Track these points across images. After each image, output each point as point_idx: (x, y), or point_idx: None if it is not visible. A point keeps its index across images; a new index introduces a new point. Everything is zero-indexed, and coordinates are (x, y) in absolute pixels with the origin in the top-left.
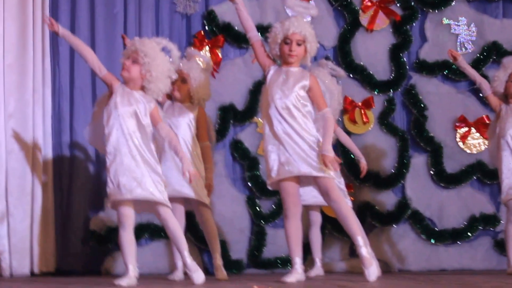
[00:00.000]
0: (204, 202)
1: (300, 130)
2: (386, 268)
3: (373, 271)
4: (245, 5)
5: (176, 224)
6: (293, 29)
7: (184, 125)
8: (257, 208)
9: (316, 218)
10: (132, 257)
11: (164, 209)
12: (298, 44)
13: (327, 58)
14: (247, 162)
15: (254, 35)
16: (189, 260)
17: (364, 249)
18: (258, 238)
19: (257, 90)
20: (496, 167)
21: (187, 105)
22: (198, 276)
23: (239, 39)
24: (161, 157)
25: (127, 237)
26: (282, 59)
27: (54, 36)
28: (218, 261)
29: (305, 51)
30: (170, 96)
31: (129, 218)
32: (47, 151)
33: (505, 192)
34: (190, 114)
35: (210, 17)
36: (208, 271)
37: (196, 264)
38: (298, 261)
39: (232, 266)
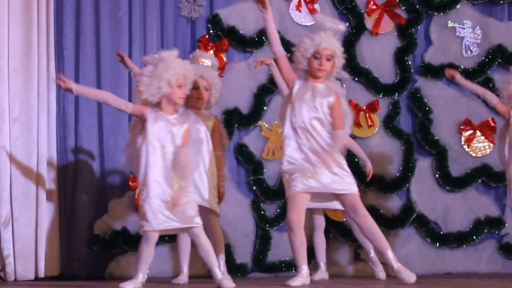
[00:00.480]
0: (215, 210)
1: (326, 146)
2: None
3: (410, 274)
4: (249, 8)
5: (207, 241)
6: (324, 44)
7: (202, 134)
8: (261, 212)
9: (320, 222)
10: (145, 267)
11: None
12: (328, 59)
13: None
14: (251, 166)
15: (280, 50)
16: (219, 275)
17: (395, 263)
18: (262, 242)
19: (261, 94)
20: (505, 170)
21: (201, 112)
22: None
23: (243, 43)
24: None
25: (148, 251)
26: (309, 73)
27: (59, 40)
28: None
29: (332, 67)
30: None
31: (155, 236)
32: (51, 156)
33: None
34: (208, 123)
35: (214, 21)
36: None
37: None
38: (304, 267)
39: (237, 270)
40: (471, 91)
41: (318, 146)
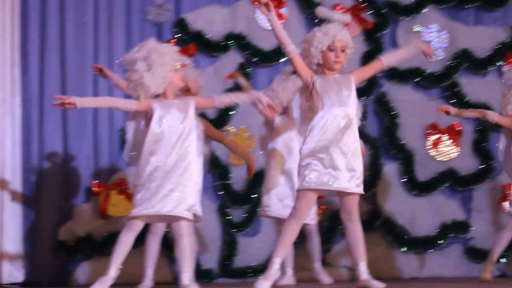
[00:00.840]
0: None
1: (352, 141)
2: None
3: (378, 283)
4: (216, 13)
5: (189, 243)
6: (339, 36)
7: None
8: (228, 217)
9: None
10: (119, 258)
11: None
12: (342, 51)
13: None
14: (218, 171)
15: (293, 49)
16: (187, 281)
17: (365, 274)
18: (229, 247)
19: None
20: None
21: None
22: None
23: (210, 48)
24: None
25: (127, 239)
26: (324, 67)
27: (23, 45)
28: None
29: (345, 58)
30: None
31: (139, 224)
32: (15, 161)
33: None
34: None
35: (181, 25)
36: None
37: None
38: (278, 261)
39: (203, 275)
40: (471, 117)
41: (343, 140)
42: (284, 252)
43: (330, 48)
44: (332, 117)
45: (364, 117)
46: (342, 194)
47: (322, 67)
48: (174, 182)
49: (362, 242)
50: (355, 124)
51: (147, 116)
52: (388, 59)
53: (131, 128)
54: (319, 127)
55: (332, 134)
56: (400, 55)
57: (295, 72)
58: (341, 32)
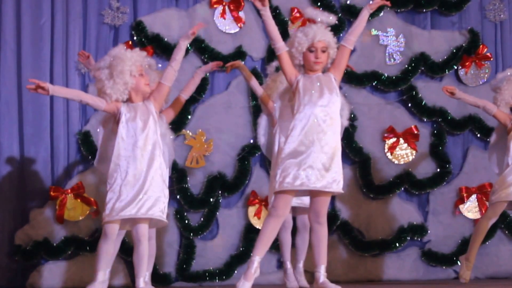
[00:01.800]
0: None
1: (333, 141)
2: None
3: (335, 286)
4: (173, 15)
5: (147, 247)
6: (319, 37)
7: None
8: (185, 221)
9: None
10: (105, 264)
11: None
12: (323, 51)
13: None
14: (175, 175)
15: (283, 45)
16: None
17: (323, 277)
18: (186, 251)
19: (185, 103)
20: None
21: None
22: None
23: (168, 51)
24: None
25: (106, 246)
26: (306, 67)
27: None
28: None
29: (327, 58)
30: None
31: (113, 229)
32: None
33: (497, 194)
34: None
35: (138, 28)
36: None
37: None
38: (257, 259)
39: (161, 279)
40: (472, 104)
41: (323, 140)
42: (264, 250)
43: (310, 49)
44: (313, 116)
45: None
46: (315, 194)
47: (305, 68)
48: (146, 186)
49: (325, 245)
50: (337, 124)
51: (115, 119)
52: (348, 40)
53: (101, 134)
54: (301, 126)
55: (313, 134)
56: (357, 27)
57: (280, 69)
58: (321, 33)
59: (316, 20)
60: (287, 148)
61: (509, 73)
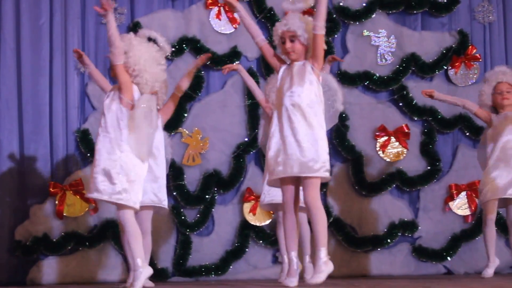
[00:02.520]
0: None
1: (304, 129)
2: None
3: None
4: (170, 16)
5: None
6: (282, 28)
7: None
8: (182, 217)
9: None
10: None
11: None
12: (291, 41)
13: None
14: (172, 172)
15: (262, 39)
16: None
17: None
18: (183, 247)
19: (182, 101)
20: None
21: None
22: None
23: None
24: None
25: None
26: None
27: None
28: None
29: (302, 45)
30: None
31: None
32: None
33: (483, 194)
34: None
35: (136, 28)
36: None
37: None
38: (294, 254)
39: (158, 274)
40: (452, 104)
41: (293, 129)
42: (295, 245)
43: (282, 41)
44: (284, 106)
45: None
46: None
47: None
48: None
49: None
50: (310, 111)
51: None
52: (315, 26)
53: None
54: (277, 116)
55: (286, 123)
56: (319, 11)
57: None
58: (286, 22)
59: (293, 9)
60: (269, 142)
61: (491, 72)
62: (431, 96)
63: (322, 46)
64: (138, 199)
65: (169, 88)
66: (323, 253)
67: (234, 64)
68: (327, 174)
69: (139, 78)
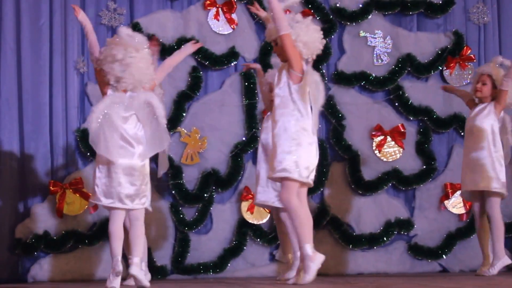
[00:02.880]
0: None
1: (279, 124)
2: None
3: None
4: (169, 17)
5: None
6: (268, 36)
7: None
8: (180, 215)
9: None
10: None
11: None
12: (275, 44)
13: None
14: (171, 171)
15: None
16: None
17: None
18: (181, 245)
19: (180, 101)
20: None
21: None
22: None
23: (163, 51)
24: None
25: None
26: None
27: None
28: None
29: (281, 47)
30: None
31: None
32: None
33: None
34: None
35: (135, 29)
36: None
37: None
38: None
39: (157, 272)
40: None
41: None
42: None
43: (272, 46)
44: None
45: None
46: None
47: None
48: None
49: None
50: (287, 111)
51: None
52: (275, 25)
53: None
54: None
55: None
56: (274, 15)
57: None
58: (267, 31)
59: (285, 6)
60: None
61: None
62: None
63: (289, 46)
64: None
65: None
66: (307, 250)
67: (255, 63)
68: (285, 174)
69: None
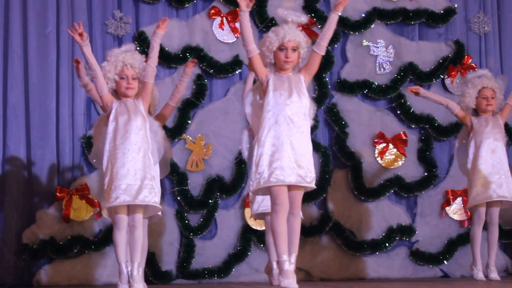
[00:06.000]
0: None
1: (302, 139)
2: (308, 277)
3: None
4: (174, 26)
5: (143, 235)
6: (289, 37)
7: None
8: (185, 221)
9: None
10: (123, 255)
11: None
12: (293, 50)
13: None
14: (176, 177)
15: (255, 48)
16: (136, 272)
17: (293, 266)
18: (186, 250)
19: (185, 108)
20: (464, 174)
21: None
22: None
23: (169, 59)
24: None
25: (120, 236)
26: (277, 66)
27: None
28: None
29: (298, 58)
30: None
31: (122, 219)
32: None
33: (471, 199)
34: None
35: (141, 38)
36: None
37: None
38: (285, 257)
39: (162, 277)
40: (436, 102)
41: (293, 137)
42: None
43: (280, 48)
44: (281, 116)
45: (315, 126)
46: (290, 188)
47: (276, 67)
48: (138, 176)
49: (298, 235)
50: (306, 124)
51: (108, 115)
52: (319, 46)
53: (96, 136)
54: (269, 126)
55: (282, 133)
56: (327, 32)
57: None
58: (292, 33)
59: (287, 20)
60: (260, 148)
61: (475, 75)
62: (416, 93)
63: (318, 65)
64: None
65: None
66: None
67: None
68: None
69: None
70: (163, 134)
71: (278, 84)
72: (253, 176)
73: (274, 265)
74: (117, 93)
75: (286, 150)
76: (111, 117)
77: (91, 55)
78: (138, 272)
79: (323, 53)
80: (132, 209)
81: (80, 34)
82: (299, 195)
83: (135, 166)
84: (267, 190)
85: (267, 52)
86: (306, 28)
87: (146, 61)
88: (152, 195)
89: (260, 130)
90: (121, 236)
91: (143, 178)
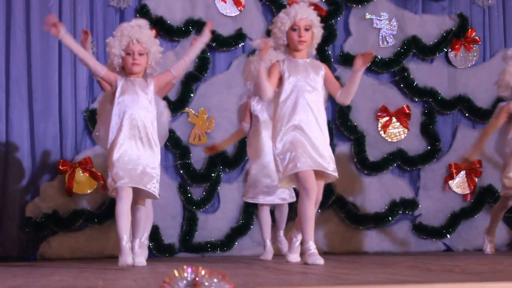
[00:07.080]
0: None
1: (320, 122)
2: None
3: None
4: None
5: (145, 213)
6: (300, 15)
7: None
8: (188, 194)
9: None
10: (126, 228)
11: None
12: (306, 29)
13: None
14: (179, 151)
15: (270, 89)
16: (137, 246)
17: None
18: (189, 224)
19: (188, 82)
20: (500, 156)
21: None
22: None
23: (171, 33)
24: None
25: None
26: (290, 47)
27: None
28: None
29: (311, 38)
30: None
31: (127, 191)
32: None
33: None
34: None
35: (143, 11)
36: None
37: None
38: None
39: (165, 250)
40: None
41: (314, 121)
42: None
43: (293, 28)
44: (302, 100)
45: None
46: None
47: (290, 49)
48: (142, 160)
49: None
50: (323, 109)
51: (113, 92)
52: (343, 97)
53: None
54: (289, 110)
55: (303, 117)
56: (352, 88)
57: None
58: (304, 11)
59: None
60: (283, 137)
61: None
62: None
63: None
64: None
65: None
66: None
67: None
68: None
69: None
70: (169, 114)
71: (292, 69)
72: (280, 166)
73: (268, 243)
74: (124, 70)
75: (307, 138)
76: (117, 94)
77: (74, 44)
78: (144, 242)
79: (346, 103)
80: (136, 189)
81: (54, 25)
82: (320, 186)
83: (138, 151)
84: (294, 179)
85: (279, 34)
86: (310, 3)
87: (155, 36)
88: (152, 182)
89: (278, 120)
90: (122, 208)
91: (146, 165)
